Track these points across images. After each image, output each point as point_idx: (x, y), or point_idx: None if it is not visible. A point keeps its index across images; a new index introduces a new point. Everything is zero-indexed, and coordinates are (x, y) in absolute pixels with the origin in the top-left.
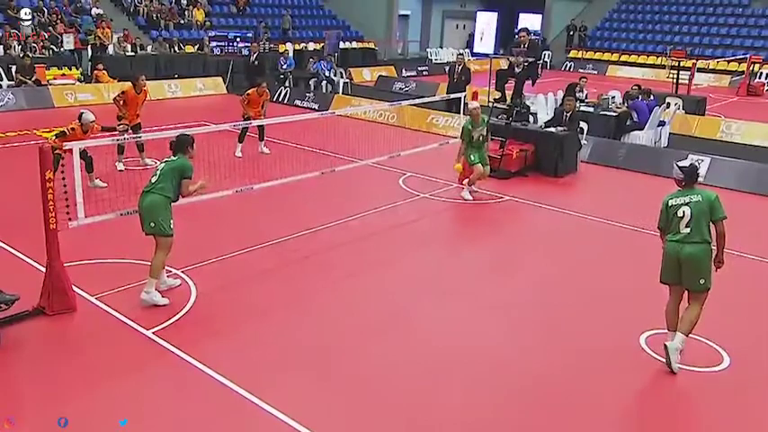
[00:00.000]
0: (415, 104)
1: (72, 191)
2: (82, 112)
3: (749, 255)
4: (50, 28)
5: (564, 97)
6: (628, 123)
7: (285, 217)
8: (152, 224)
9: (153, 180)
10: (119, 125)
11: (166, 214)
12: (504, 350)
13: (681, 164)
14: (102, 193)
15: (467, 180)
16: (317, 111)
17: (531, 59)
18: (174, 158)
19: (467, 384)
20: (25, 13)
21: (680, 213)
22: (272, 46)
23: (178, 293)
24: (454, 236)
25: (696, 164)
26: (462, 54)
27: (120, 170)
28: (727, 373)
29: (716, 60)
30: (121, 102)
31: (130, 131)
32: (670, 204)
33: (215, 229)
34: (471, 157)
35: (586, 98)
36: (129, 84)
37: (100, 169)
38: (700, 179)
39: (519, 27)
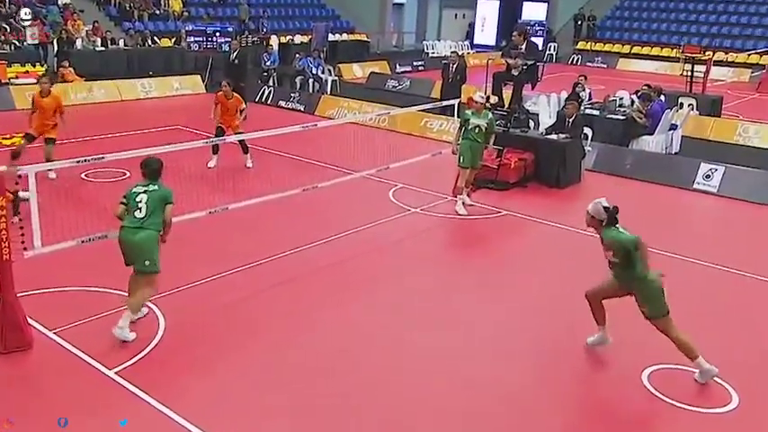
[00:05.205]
0: (407, 113)
1: (27, 217)
2: None
3: (764, 277)
4: (12, 20)
5: (566, 100)
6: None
7: (261, 237)
8: (146, 262)
9: (140, 215)
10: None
11: (158, 250)
12: (499, 382)
13: (605, 204)
14: (63, 217)
15: (460, 196)
16: (303, 112)
17: (530, 62)
18: (155, 187)
19: (463, 418)
20: (25, 14)
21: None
22: (254, 40)
23: (145, 326)
24: (446, 256)
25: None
26: (456, 51)
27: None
28: (735, 414)
29: (735, 53)
30: (32, 110)
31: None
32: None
33: (186, 253)
34: (461, 158)
35: (590, 98)
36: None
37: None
38: (712, 189)
39: (522, 17)
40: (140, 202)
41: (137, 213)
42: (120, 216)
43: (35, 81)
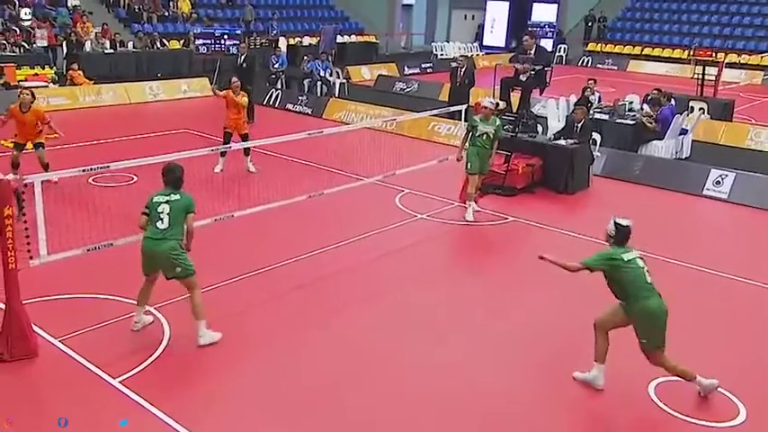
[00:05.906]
0: (414, 117)
1: (33, 225)
2: None
3: None
4: (21, 22)
5: (575, 104)
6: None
7: (267, 244)
8: (178, 269)
9: (162, 226)
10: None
11: (184, 254)
12: (503, 394)
13: (620, 221)
14: (69, 224)
15: (469, 202)
16: (310, 115)
17: (538, 67)
18: (177, 197)
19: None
20: (25, 13)
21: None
22: (262, 42)
23: (149, 334)
24: (453, 264)
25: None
26: (465, 54)
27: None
28: (744, 428)
29: (748, 55)
30: (8, 120)
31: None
32: (627, 260)
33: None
34: (469, 165)
35: (599, 101)
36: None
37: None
38: (723, 196)
39: (532, 18)
40: (162, 212)
41: (159, 224)
42: (142, 227)
43: (45, 85)
